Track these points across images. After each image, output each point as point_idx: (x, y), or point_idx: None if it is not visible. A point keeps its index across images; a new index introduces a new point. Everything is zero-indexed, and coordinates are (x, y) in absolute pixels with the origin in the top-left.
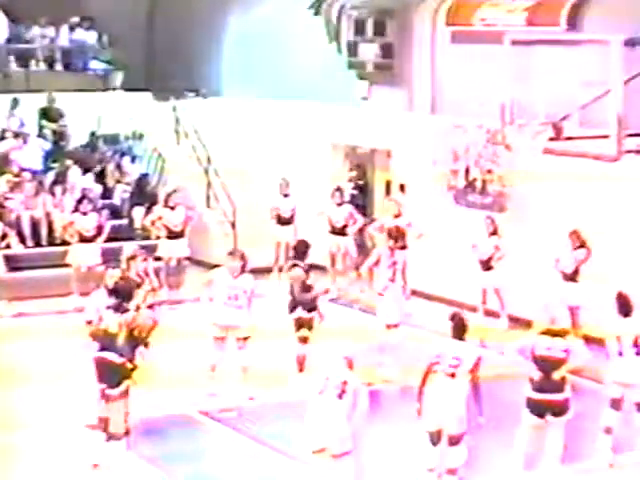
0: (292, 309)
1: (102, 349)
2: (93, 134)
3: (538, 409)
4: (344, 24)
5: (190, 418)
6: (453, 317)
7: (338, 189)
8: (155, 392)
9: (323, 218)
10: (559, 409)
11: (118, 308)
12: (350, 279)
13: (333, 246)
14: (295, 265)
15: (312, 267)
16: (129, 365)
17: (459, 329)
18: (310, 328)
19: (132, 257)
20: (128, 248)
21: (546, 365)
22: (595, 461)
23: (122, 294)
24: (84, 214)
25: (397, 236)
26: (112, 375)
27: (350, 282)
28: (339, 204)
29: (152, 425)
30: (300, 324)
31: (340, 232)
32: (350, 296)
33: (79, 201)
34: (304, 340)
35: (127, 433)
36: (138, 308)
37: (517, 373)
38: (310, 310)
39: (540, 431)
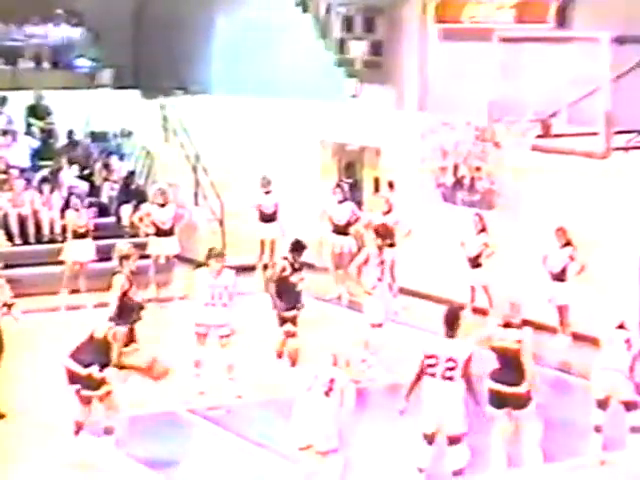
0: (275, 305)
1: (72, 356)
2: (71, 132)
3: (496, 400)
4: (333, 21)
5: (177, 416)
6: (447, 313)
7: (338, 185)
8: (142, 390)
9: (324, 217)
10: (518, 402)
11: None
12: (338, 276)
13: (336, 246)
14: (284, 259)
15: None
16: (96, 375)
17: (452, 325)
18: (294, 324)
19: (126, 256)
20: (122, 246)
21: (501, 356)
22: (586, 458)
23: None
24: (77, 210)
25: (385, 234)
26: (86, 381)
27: (339, 280)
28: (341, 201)
29: (139, 423)
30: (283, 320)
31: (343, 231)
32: (337, 293)
33: (68, 198)
34: (291, 335)
35: (113, 431)
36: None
37: None
38: (292, 308)
39: (511, 424)
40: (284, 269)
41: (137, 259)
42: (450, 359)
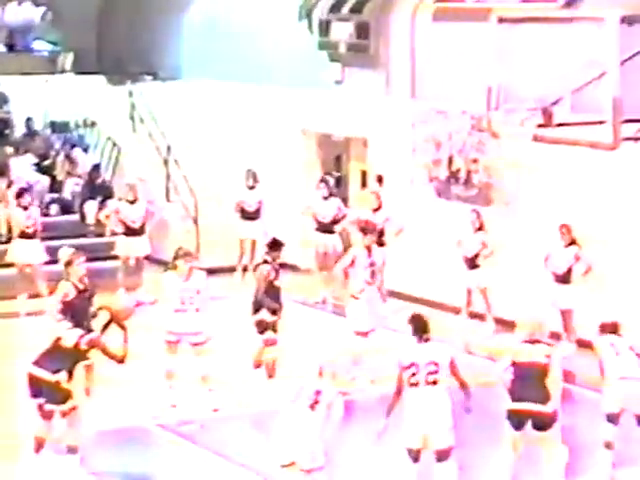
0: (255, 310)
1: (36, 363)
2: (29, 121)
3: (516, 420)
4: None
5: (147, 432)
6: (412, 319)
7: (323, 180)
8: (108, 403)
9: (308, 214)
10: (542, 422)
11: (78, 325)
12: (324, 278)
13: (320, 245)
14: (265, 262)
15: (283, 266)
16: (65, 385)
17: (423, 329)
18: (275, 331)
19: (68, 262)
20: (63, 252)
21: (526, 372)
22: (596, 476)
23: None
24: (25, 208)
25: (369, 230)
26: (52, 393)
27: (323, 282)
28: (326, 197)
29: (105, 439)
30: (263, 327)
31: (328, 229)
32: (321, 297)
33: (19, 194)
34: (271, 343)
35: (78, 450)
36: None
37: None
38: (274, 312)
39: (525, 445)
40: (269, 274)
41: (83, 262)
42: (431, 362)
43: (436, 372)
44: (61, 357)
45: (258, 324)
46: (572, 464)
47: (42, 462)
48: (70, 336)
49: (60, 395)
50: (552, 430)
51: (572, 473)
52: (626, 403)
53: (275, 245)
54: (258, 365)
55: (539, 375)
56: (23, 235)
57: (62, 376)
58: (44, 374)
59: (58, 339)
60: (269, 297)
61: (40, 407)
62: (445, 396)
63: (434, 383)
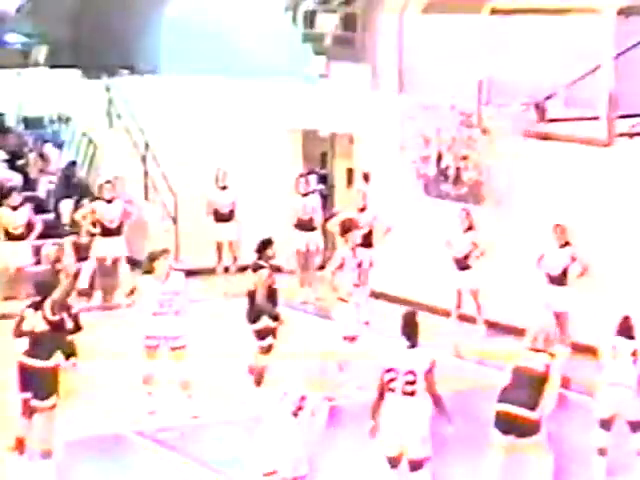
0: (255, 318)
1: (28, 353)
2: (1, 115)
3: (503, 424)
4: None
5: (125, 439)
6: (405, 317)
7: (302, 176)
8: (84, 409)
9: (288, 211)
10: (527, 427)
11: (40, 306)
12: (304, 278)
13: (300, 243)
14: (260, 267)
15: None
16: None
17: (410, 333)
18: (274, 337)
19: (57, 259)
20: (49, 249)
21: (522, 378)
22: None
23: (43, 291)
24: (14, 209)
25: (350, 228)
26: (40, 384)
27: (305, 282)
28: (305, 194)
29: (81, 447)
30: (265, 334)
31: (307, 227)
32: (308, 299)
33: (6, 194)
34: (268, 350)
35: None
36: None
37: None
38: (275, 318)
39: (513, 452)
40: (267, 279)
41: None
42: (409, 372)
43: (414, 382)
44: (46, 342)
45: (259, 332)
46: (566, 471)
47: (16, 470)
48: (37, 321)
49: (47, 388)
50: (537, 437)
51: None
52: (617, 409)
53: (264, 246)
54: (253, 371)
55: (533, 382)
56: (11, 237)
57: (58, 358)
58: (38, 363)
59: (32, 332)
60: (269, 302)
61: (25, 402)
62: (423, 406)
63: (411, 394)
